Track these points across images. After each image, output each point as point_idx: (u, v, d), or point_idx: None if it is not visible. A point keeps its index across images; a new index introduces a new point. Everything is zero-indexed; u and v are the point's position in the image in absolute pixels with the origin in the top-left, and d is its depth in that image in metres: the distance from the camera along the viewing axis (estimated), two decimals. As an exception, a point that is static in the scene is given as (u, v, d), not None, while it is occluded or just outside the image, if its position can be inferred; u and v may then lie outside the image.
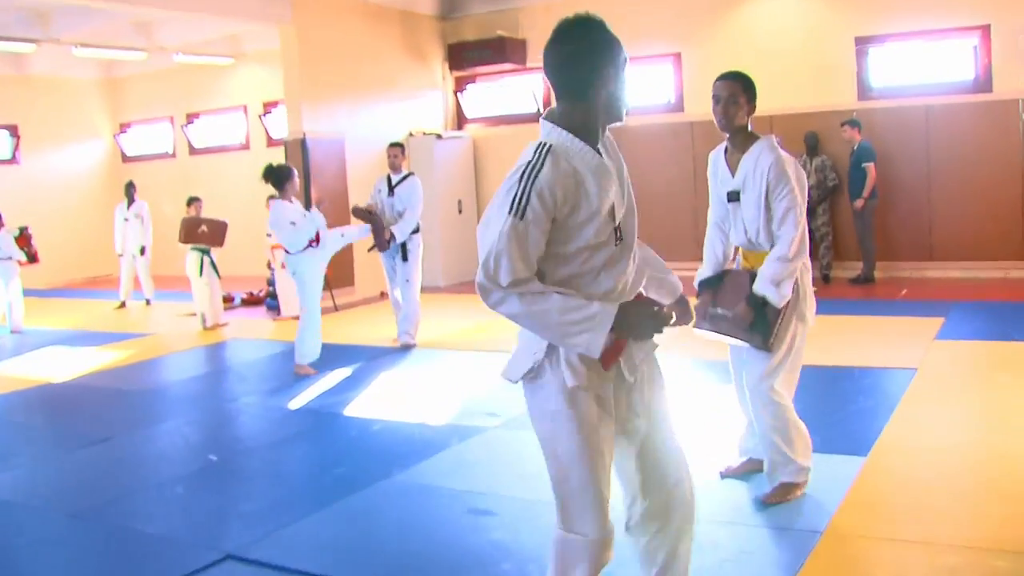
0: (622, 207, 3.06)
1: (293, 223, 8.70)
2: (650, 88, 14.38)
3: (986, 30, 12.13)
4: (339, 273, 12.92)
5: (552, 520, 3.11)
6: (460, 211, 15.01)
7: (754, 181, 4.59)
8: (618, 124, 3.06)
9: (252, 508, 5.48)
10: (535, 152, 2.87)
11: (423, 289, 10.52)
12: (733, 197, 4.74)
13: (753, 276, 4.65)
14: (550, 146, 2.88)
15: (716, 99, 4.65)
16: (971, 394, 7.06)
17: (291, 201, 8.82)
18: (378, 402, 7.83)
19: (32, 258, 12.98)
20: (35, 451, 7.11)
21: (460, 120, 15.96)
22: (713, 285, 4.93)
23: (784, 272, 4.54)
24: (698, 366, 8.08)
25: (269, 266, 12.49)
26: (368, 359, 9.58)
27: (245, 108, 17.89)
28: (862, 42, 12.82)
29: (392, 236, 9.72)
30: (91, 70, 19.10)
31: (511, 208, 2.81)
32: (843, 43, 12.89)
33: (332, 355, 9.40)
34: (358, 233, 9.69)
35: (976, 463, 5.51)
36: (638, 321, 2.91)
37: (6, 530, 5.40)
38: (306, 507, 5.38)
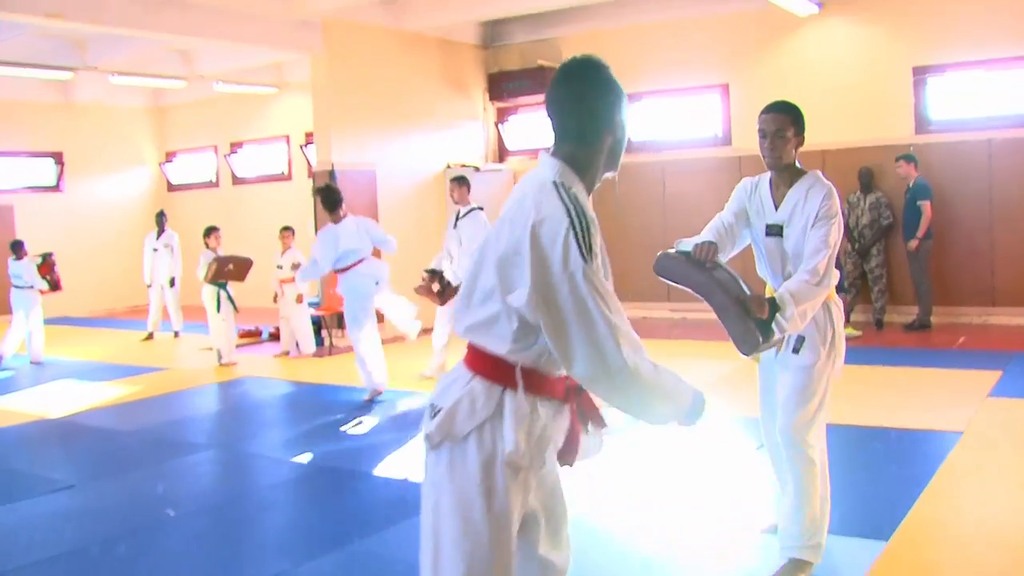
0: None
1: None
2: (696, 121, 13.75)
3: (1055, 60, 11.33)
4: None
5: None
6: (498, 246, 14.46)
7: (802, 214, 4.25)
8: (611, 175, 2.84)
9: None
10: (560, 196, 2.56)
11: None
12: (774, 231, 4.37)
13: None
14: (570, 186, 2.63)
15: (762, 133, 4.31)
16: (1021, 465, 6.25)
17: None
18: (379, 450, 7.28)
19: (54, 286, 12.73)
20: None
21: (502, 152, 15.44)
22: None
23: (810, 295, 4.09)
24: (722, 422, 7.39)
25: (275, 300, 12.01)
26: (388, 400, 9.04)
27: (287, 138, 17.57)
28: (920, 72, 12.06)
29: (448, 284, 9.54)
30: (138, 98, 19.01)
31: (584, 258, 2.50)
32: (900, 73, 12.13)
33: (335, 397, 8.90)
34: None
35: (1019, 556, 4.75)
36: (697, 409, 2.73)
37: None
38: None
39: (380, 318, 9.26)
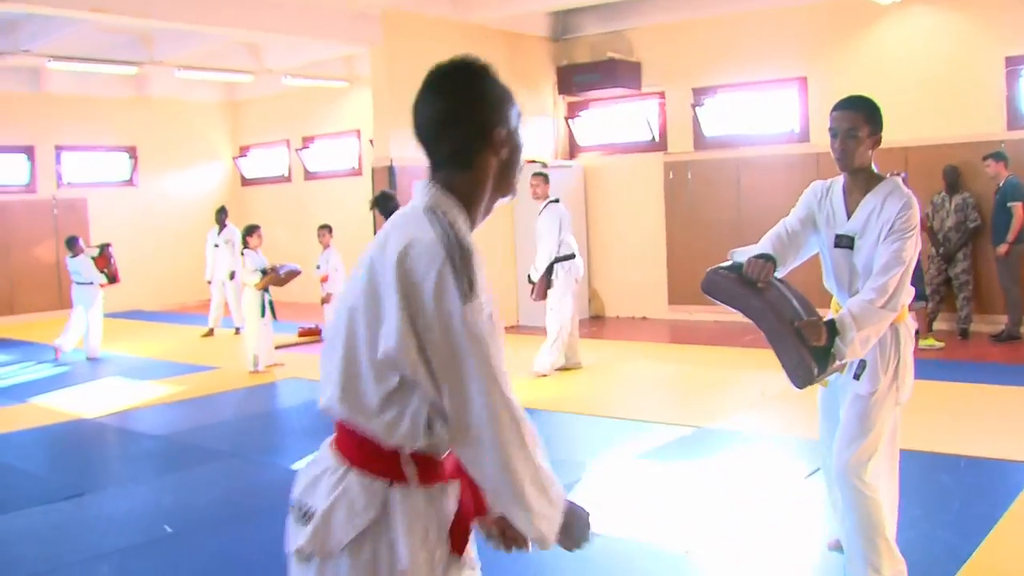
0: None
1: None
2: (773, 116, 13.07)
3: None
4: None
5: None
6: (565, 245, 13.99)
7: (876, 225, 3.82)
8: (507, 201, 2.32)
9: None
10: (433, 222, 2.09)
11: (523, 329, 9.90)
12: (844, 242, 3.94)
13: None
14: (447, 211, 2.15)
15: (833, 132, 3.90)
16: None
17: None
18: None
19: (112, 278, 12.58)
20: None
21: (572, 148, 14.93)
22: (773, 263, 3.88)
23: (874, 318, 3.66)
24: (776, 442, 6.84)
25: (322, 303, 11.65)
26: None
27: (358, 132, 17.28)
28: (1014, 63, 11.23)
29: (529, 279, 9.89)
30: (211, 93, 18.96)
31: (463, 296, 2.01)
32: (991, 64, 11.31)
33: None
34: None
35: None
36: (581, 527, 2.18)
37: None
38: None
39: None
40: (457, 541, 2.19)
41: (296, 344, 12.79)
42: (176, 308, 18.26)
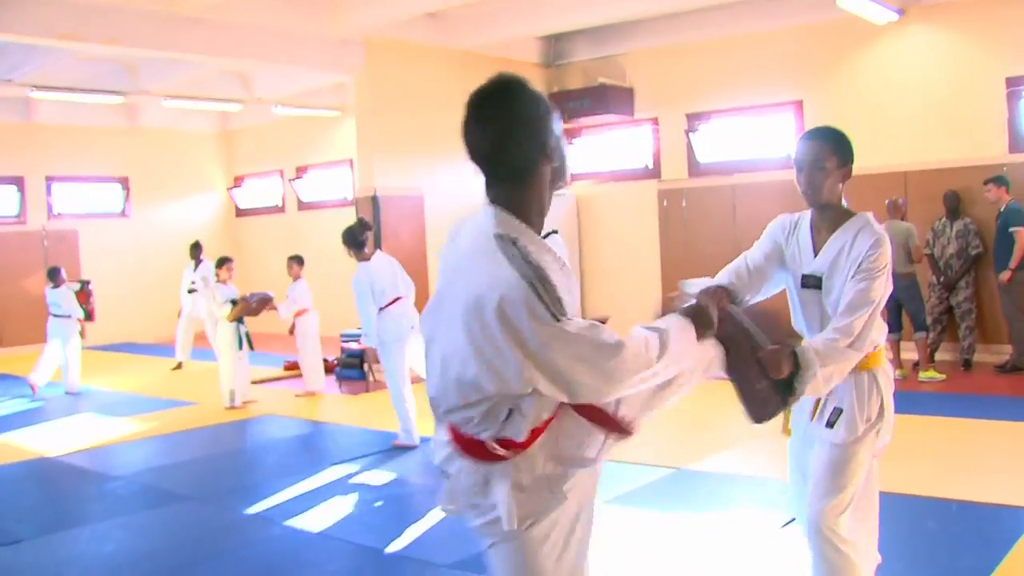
0: None
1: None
2: (769, 141, 12.73)
3: None
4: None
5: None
6: (558, 275, 13.65)
7: (845, 265, 3.53)
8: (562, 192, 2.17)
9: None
10: (508, 257, 2.33)
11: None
12: (811, 282, 3.66)
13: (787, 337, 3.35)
14: (516, 237, 2.40)
15: (798, 165, 3.61)
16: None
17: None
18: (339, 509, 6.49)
19: (88, 316, 12.33)
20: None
21: (565, 176, 14.60)
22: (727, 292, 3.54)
23: (837, 357, 3.36)
24: (755, 486, 6.45)
25: (291, 332, 11.32)
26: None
27: (351, 162, 16.98)
28: (1015, 83, 10.87)
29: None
30: (204, 122, 18.73)
31: (553, 317, 2.31)
32: (991, 85, 10.96)
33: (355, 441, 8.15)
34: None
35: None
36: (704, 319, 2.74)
37: None
38: None
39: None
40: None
41: (280, 378, 12.46)
42: (168, 341, 17.84)
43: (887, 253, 3.51)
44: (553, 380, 2.33)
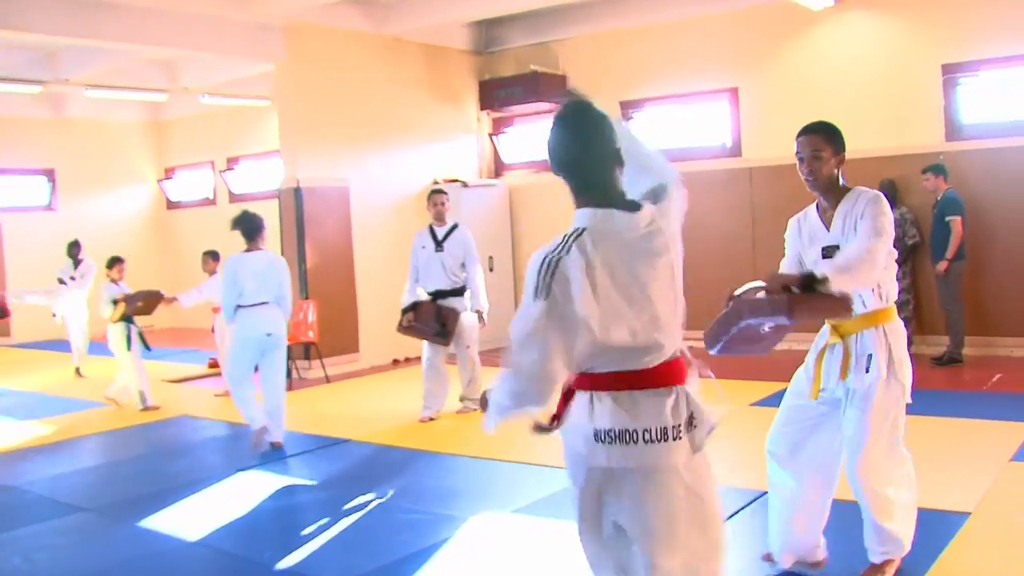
0: None
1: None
2: (704, 129, 12.43)
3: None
4: (336, 339, 11.39)
5: None
6: (491, 269, 13.24)
7: (855, 226, 4.12)
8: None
9: None
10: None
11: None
12: (831, 253, 4.23)
13: None
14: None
15: (800, 157, 4.27)
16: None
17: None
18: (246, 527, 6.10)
19: (3, 312, 11.81)
20: None
21: (497, 166, 14.25)
22: None
23: (855, 265, 3.87)
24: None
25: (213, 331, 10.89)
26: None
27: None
28: (951, 70, 10.65)
29: (479, 315, 8.81)
30: (133, 113, 18.19)
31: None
32: (927, 72, 10.73)
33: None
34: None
35: None
36: None
37: None
38: None
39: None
40: None
41: (204, 376, 12.05)
42: (97, 337, 17.39)
43: (886, 204, 4.08)
44: None
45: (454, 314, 8.62)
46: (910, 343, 10.14)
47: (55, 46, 13.27)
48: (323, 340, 11.31)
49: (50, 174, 17.52)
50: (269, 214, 15.94)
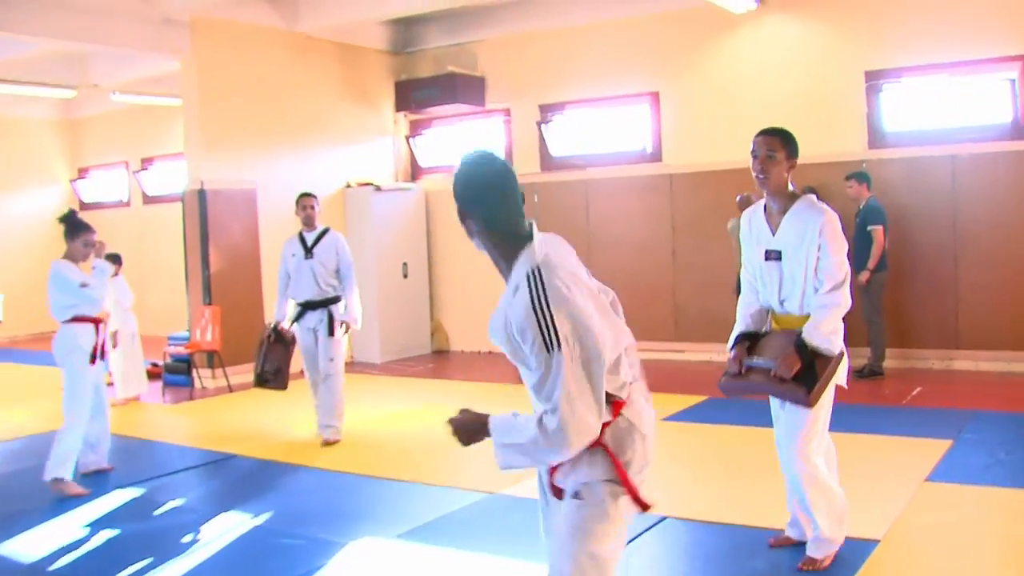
0: None
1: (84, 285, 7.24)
2: (624, 134, 12.11)
3: (1028, 62, 9.70)
4: (240, 347, 10.89)
5: None
6: (405, 275, 12.82)
7: (800, 242, 4.41)
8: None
9: None
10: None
11: (356, 367, 8.46)
12: (773, 256, 4.54)
13: (794, 335, 4.44)
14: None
15: (754, 154, 4.49)
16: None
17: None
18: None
19: None
20: None
21: (414, 170, 13.83)
22: (748, 339, 4.68)
23: (834, 319, 4.42)
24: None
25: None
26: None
27: (197, 153, 15.98)
28: (874, 77, 10.45)
29: (346, 327, 8.11)
30: (44, 110, 17.51)
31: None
32: (850, 79, 10.52)
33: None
34: None
35: None
36: None
37: None
38: None
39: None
40: None
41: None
42: (6, 343, 16.73)
43: (836, 220, 4.39)
44: None
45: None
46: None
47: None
48: (226, 348, 10.81)
49: (-47, 173, 16.80)
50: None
